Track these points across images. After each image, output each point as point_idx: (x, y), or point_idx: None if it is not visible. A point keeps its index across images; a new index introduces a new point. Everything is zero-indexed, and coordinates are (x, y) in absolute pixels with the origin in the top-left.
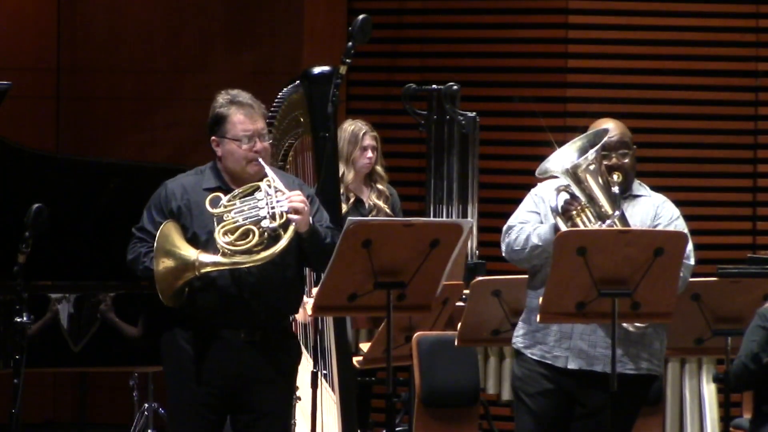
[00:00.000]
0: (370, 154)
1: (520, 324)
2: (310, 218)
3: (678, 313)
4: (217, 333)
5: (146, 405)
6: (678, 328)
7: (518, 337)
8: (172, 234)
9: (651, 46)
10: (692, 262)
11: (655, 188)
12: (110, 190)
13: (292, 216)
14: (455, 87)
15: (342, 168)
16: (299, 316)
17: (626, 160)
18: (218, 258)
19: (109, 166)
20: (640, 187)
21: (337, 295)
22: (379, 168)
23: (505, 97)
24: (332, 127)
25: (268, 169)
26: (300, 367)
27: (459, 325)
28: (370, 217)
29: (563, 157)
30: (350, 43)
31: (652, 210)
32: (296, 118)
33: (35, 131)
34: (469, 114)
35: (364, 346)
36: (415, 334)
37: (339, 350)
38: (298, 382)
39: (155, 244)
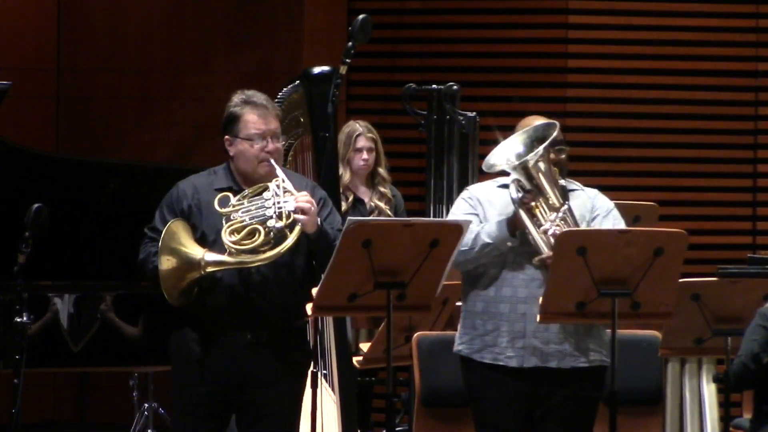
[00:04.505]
0: (365, 155)
1: (461, 331)
2: (319, 219)
3: (678, 313)
4: (224, 333)
5: (146, 405)
6: (678, 328)
7: (463, 345)
8: (179, 232)
9: (651, 46)
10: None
11: (655, 188)
12: (110, 190)
13: (298, 216)
14: (455, 87)
15: (340, 168)
16: None
17: (563, 156)
18: (224, 257)
19: (109, 166)
20: (570, 183)
21: (337, 295)
22: (381, 170)
23: (505, 97)
24: (332, 127)
25: (279, 170)
26: None
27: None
28: (370, 217)
29: (509, 152)
30: (350, 43)
31: (589, 202)
32: (296, 118)
33: (35, 131)
34: (469, 114)
35: (364, 346)
36: (415, 334)
37: (339, 350)
38: None
39: (160, 243)
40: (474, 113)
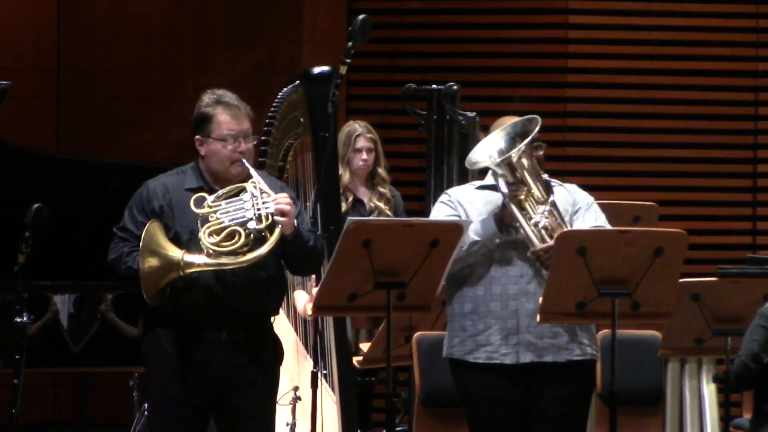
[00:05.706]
0: (364, 156)
1: (450, 335)
2: (296, 221)
3: (678, 313)
4: (199, 333)
5: (146, 405)
6: (678, 328)
7: (454, 348)
8: (157, 233)
9: (651, 46)
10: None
11: (655, 188)
12: (110, 190)
13: (278, 218)
14: (455, 87)
15: (340, 168)
16: (300, 310)
17: (540, 153)
18: (204, 258)
19: (109, 166)
20: (549, 179)
21: (337, 295)
22: (381, 170)
23: (505, 97)
24: (332, 127)
25: (252, 171)
26: (300, 367)
27: None
28: (370, 217)
29: (491, 148)
30: (350, 43)
31: (570, 197)
32: (296, 118)
33: (35, 131)
34: (469, 114)
35: (364, 346)
36: (415, 334)
37: (339, 350)
38: (298, 382)
39: (141, 243)
40: (474, 113)
